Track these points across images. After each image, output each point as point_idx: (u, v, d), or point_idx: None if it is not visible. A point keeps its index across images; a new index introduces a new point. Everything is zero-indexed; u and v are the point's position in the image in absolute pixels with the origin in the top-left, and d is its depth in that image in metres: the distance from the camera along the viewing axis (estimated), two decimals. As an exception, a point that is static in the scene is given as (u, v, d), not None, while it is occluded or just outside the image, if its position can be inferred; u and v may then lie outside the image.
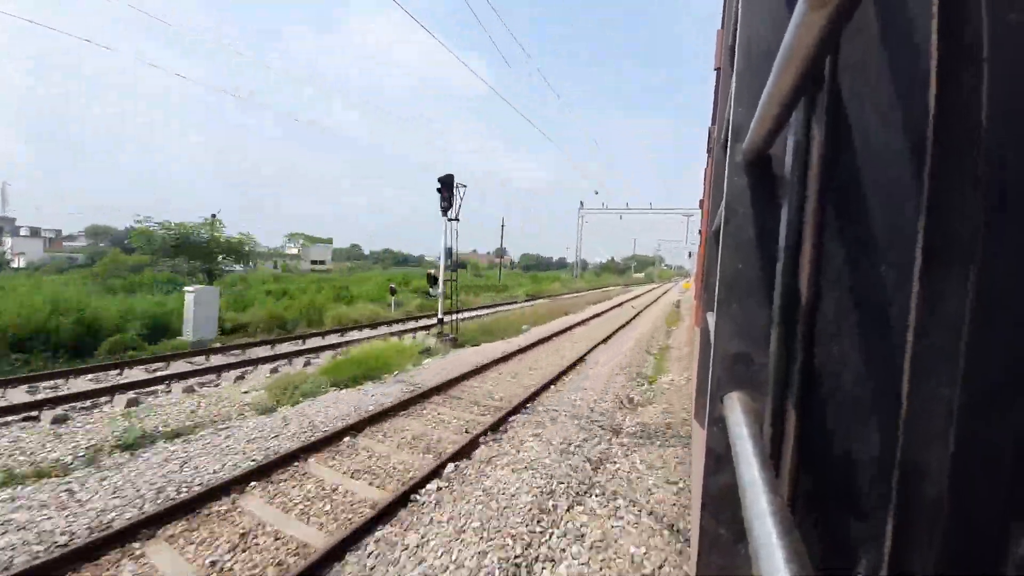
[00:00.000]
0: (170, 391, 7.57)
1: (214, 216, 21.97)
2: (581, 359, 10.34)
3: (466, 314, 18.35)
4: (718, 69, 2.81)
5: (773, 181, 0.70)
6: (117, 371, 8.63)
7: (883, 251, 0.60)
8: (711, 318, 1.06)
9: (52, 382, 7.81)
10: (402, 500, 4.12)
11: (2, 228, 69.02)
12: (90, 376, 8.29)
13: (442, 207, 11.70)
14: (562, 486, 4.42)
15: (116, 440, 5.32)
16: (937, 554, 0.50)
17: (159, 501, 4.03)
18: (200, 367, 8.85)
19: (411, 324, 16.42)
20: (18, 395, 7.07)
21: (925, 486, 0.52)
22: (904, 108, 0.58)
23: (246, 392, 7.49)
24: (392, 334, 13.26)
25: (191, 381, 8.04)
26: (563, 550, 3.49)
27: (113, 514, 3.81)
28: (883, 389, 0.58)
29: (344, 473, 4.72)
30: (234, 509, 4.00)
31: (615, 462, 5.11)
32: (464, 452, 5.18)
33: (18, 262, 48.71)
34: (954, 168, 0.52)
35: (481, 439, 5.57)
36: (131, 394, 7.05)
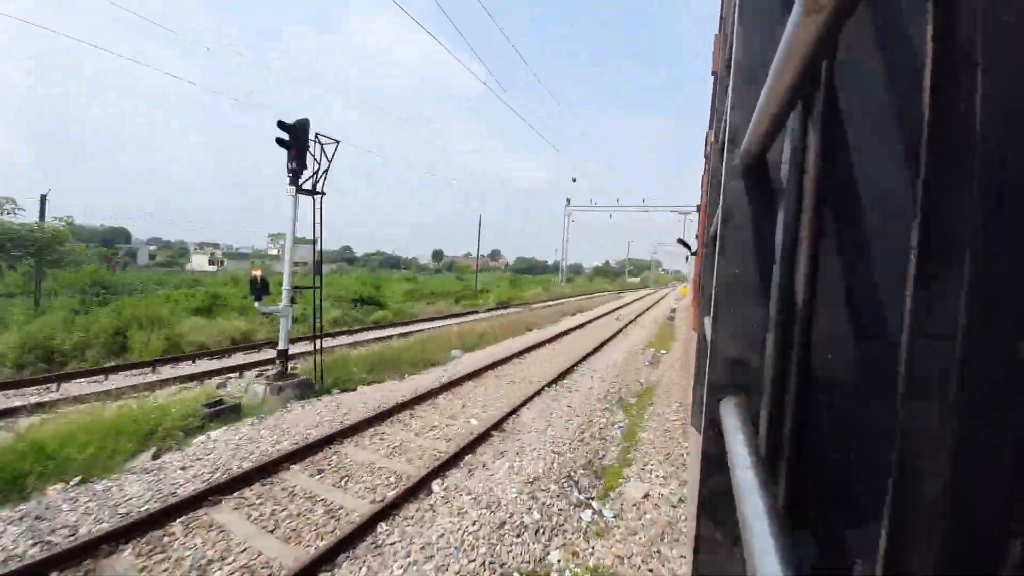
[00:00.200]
0: None
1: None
2: (498, 425, 6.03)
3: (387, 332, 14.22)
4: (715, 74, 2.83)
5: (770, 184, 0.70)
6: None
7: (880, 253, 0.60)
8: (708, 322, 1.06)
9: None
10: None
11: None
12: None
13: (290, 171, 7.07)
14: None
15: None
16: (936, 555, 0.50)
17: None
18: None
19: (261, 355, 10.66)
20: None
21: (923, 487, 0.52)
22: (900, 111, 0.58)
23: None
24: (200, 376, 8.60)
25: None
26: None
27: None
28: (880, 392, 0.58)
29: None
30: None
31: None
32: None
33: None
34: (951, 170, 0.52)
35: None
36: None
